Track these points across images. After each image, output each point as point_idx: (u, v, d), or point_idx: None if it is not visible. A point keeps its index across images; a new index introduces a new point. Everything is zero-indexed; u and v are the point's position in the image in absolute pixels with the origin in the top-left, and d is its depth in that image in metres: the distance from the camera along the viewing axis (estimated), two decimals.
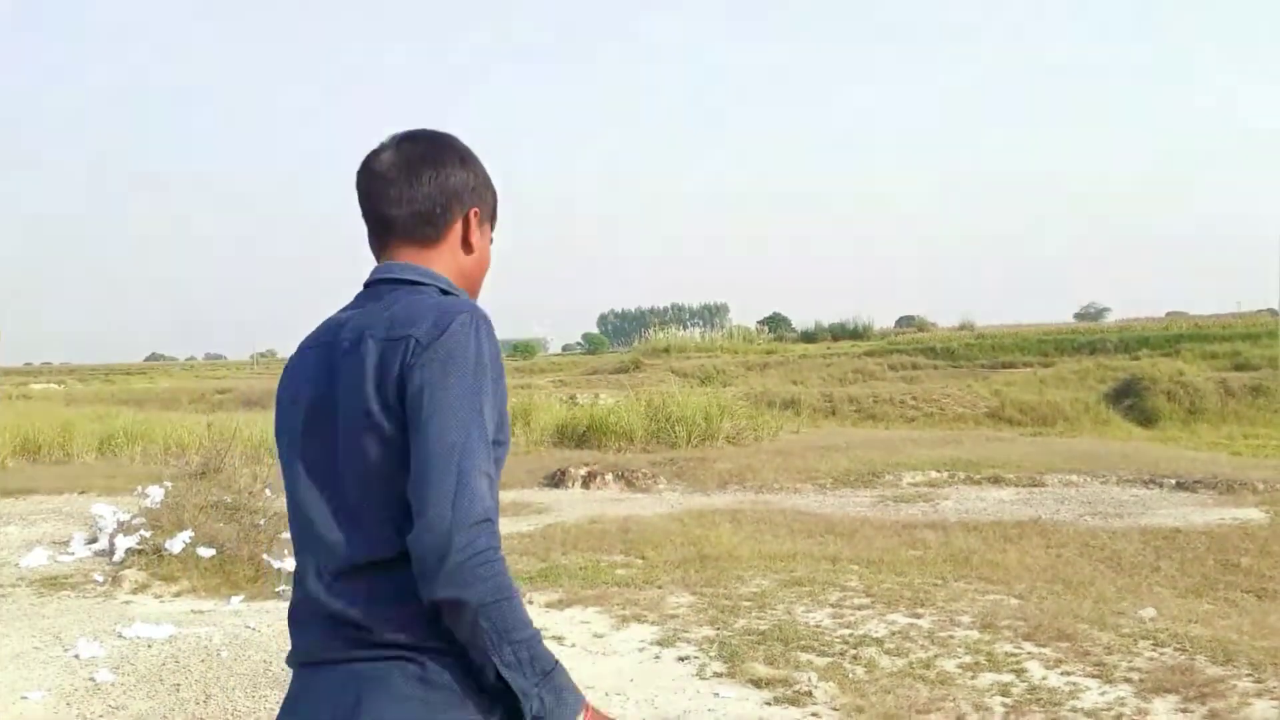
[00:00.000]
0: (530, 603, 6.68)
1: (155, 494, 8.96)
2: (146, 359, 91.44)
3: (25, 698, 4.89)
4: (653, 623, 6.05)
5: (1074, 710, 4.58)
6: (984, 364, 33.80)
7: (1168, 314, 50.61)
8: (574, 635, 5.91)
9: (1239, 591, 6.93)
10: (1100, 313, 77.59)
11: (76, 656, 5.53)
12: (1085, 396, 27.21)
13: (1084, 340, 36.36)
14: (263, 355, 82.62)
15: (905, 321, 58.07)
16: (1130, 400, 26.53)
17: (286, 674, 5.44)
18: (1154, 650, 5.41)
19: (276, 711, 4.81)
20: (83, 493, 12.00)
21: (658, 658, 5.45)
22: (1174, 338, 34.73)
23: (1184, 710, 4.56)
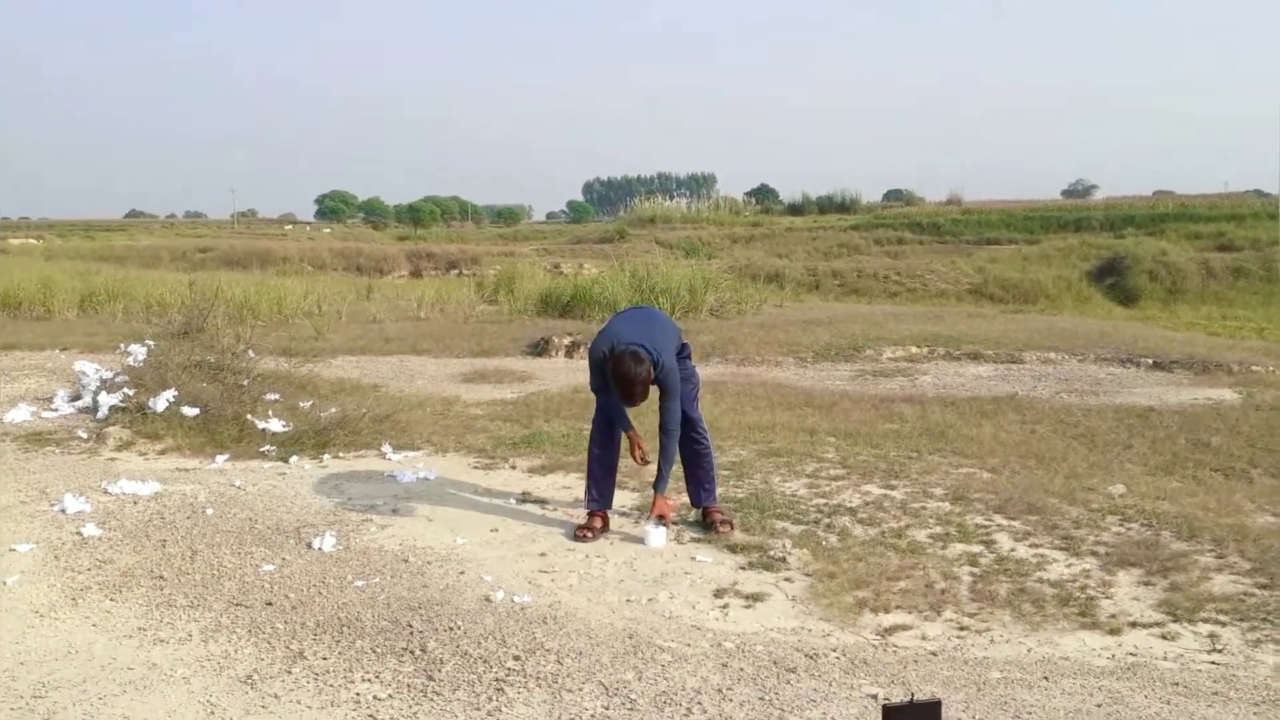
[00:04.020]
0: (513, 467, 6.77)
1: (138, 352, 8.95)
2: (126, 215, 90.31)
3: (14, 549, 4.97)
4: (632, 489, 6.15)
5: (1040, 581, 4.71)
6: (970, 240, 33.78)
7: (1155, 192, 50.41)
8: (556, 499, 6.01)
9: (1208, 470, 7.07)
10: (1088, 189, 77.33)
11: (63, 511, 5.59)
12: (1068, 274, 27.31)
13: (1070, 218, 36.30)
14: (243, 214, 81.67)
15: (893, 195, 57.77)
16: (1112, 279, 26.64)
17: (271, 531, 5.51)
18: (1121, 525, 5.54)
19: (262, 568, 4.91)
20: (64, 350, 11.97)
21: (637, 523, 5.55)
22: (1160, 217, 34.69)
23: (1147, 583, 4.69)
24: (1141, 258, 27.07)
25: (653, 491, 5.36)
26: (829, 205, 46.95)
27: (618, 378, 5.06)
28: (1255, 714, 3.40)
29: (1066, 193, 74.50)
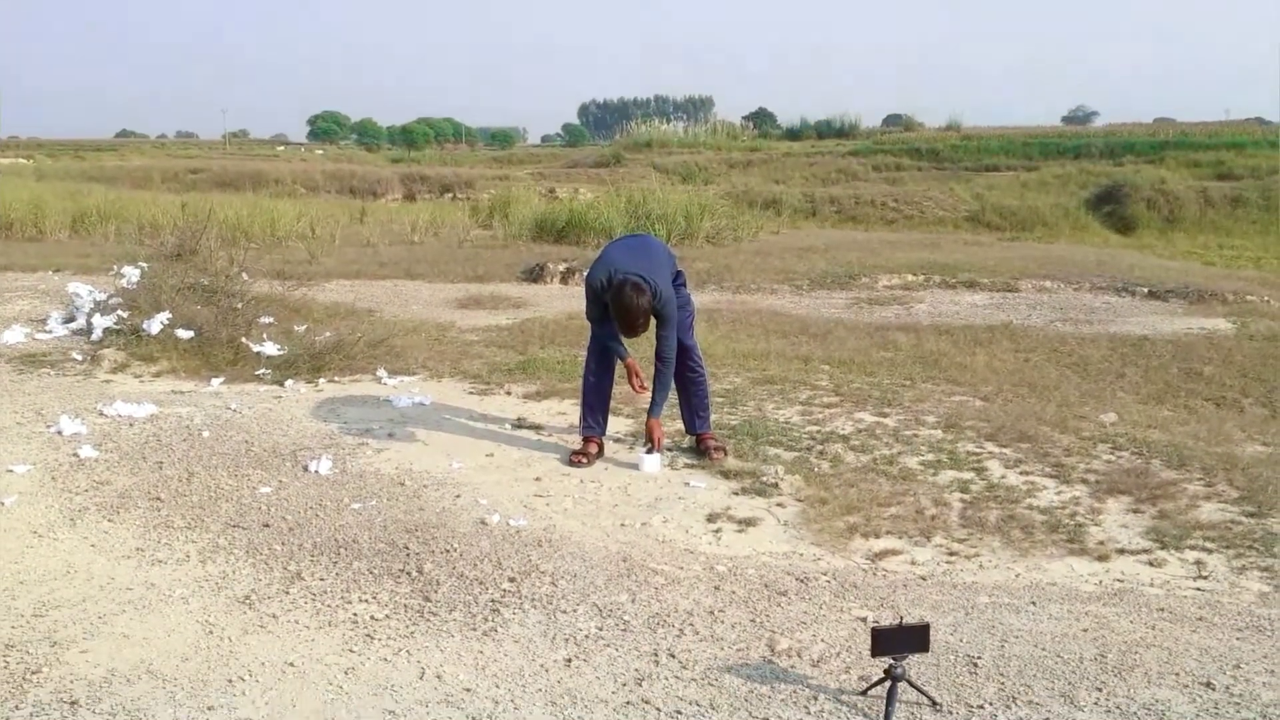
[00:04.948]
0: (508, 393, 6.79)
1: (131, 274, 8.91)
2: (117, 135, 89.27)
3: (11, 470, 4.99)
4: (627, 415, 6.17)
5: (1029, 508, 4.76)
6: (968, 166, 33.48)
7: (1155, 120, 49.89)
8: (551, 425, 6.04)
9: (1199, 399, 7.10)
10: (1088, 116, 76.72)
11: (59, 433, 5.61)
12: (1066, 202, 27.12)
13: (1069, 145, 35.96)
14: (235, 135, 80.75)
15: (893, 120, 57.11)
16: (1110, 207, 26.46)
17: (268, 454, 5.52)
18: (1112, 453, 5.58)
19: (259, 490, 4.93)
20: (57, 271, 11.92)
21: (631, 448, 5.59)
22: (1159, 144, 34.37)
23: (1135, 510, 4.74)
24: (1140, 186, 26.86)
25: (646, 417, 5.38)
26: (827, 130, 46.44)
27: (619, 309, 5.05)
28: (1239, 639, 3.46)
29: (1066, 119, 73.86)
